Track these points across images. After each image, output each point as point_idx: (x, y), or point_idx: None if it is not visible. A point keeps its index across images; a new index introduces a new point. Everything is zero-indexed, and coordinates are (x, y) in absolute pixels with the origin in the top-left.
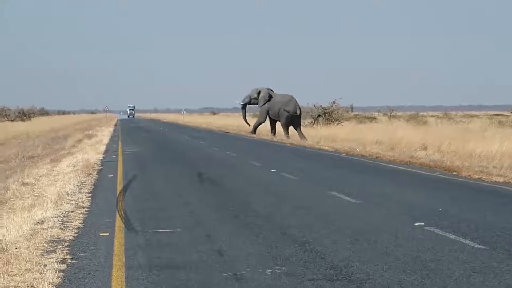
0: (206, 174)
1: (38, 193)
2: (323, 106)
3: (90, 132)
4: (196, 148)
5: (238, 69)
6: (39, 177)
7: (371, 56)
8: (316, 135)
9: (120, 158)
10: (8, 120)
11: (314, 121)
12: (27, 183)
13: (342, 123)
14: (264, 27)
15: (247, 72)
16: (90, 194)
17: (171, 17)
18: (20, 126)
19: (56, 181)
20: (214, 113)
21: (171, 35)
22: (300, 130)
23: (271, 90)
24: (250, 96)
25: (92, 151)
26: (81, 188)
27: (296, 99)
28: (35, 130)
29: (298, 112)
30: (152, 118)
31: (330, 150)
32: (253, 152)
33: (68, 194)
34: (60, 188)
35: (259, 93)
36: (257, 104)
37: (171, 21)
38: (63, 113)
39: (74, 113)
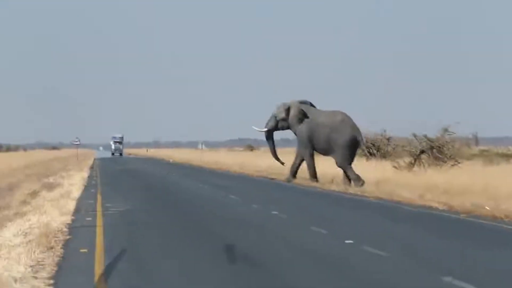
0: (240, 249)
1: None
2: (428, 136)
3: (51, 179)
4: (223, 205)
5: (278, 80)
6: None
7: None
8: (418, 183)
9: (99, 222)
10: None
11: (415, 160)
12: None
13: (459, 164)
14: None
15: (291, 85)
16: (51, 282)
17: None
18: None
19: None
20: (252, 148)
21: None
22: (352, 167)
23: (310, 104)
24: (276, 117)
25: (55, 210)
26: (36, 272)
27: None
28: None
29: (359, 138)
30: (151, 155)
31: (441, 207)
32: (312, 211)
33: (16, 282)
34: (4, 271)
35: (288, 109)
36: (288, 128)
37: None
38: (8, 148)
39: (24, 148)
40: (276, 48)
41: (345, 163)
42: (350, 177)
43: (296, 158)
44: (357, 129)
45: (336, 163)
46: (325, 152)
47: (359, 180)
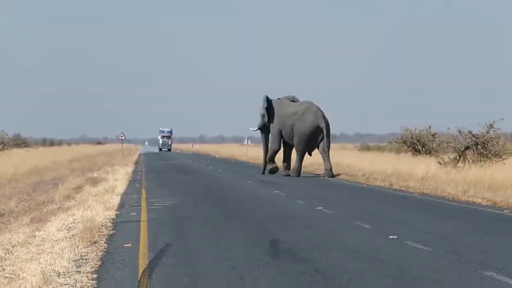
0: (284, 243)
1: (11, 274)
2: (473, 132)
3: (95, 174)
4: (268, 200)
5: (321, 78)
6: (13, 247)
7: None
8: (462, 178)
9: (144, 217)
10: None
11: (459, 157)
12: None
13: (504, 160)
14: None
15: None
16: (95, 276)
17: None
18: None
19: (39, 253)
20: None
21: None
22: (328, 155)
23: (293, 100)
24: (261, 115)
25: (99, 205)
26: (79, 266)
27: (320, 108)
28: (5, 170)
29: (321, 125)
30: (196, 150)
31: (484, 203)
32: (357, 206)
33: (59, 276)
34: (47, 265)
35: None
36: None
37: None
38: (51, 143)
39: (69, 143)
40: (319, 49)
41: (301, 152)
42: (325, 163)
43: (270, 150)
44: (321, 117)
45: (297, 151)
46: (291, 140)
47: (298, 171)
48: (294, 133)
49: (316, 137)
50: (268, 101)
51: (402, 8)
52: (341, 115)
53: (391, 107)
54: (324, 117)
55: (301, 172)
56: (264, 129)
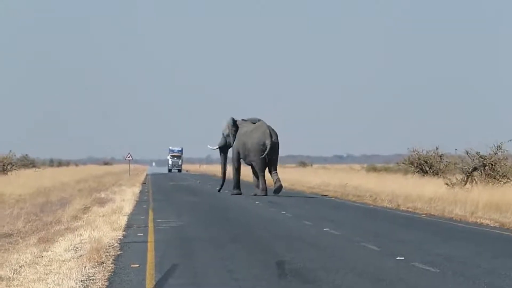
0: (291, 264)
1: None
2: (480, 153)
3: (103, 194)
4: (275, 220)
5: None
6: (20, 267)
7: None
8: (469, 200)
9: (151, 237)
10: None
11: (467, 178)
12: (0, 277)
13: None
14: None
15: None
16: None
17: None
18: None
19: (47, 274)
20: (304, 164)
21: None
22: (276, 172)
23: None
24: (223, 134)
25: (106, 226)
26: (87, 286)
27: (269, 126)
28: (13, 191)
29: (267, 143)
30: (204, 171)
31: (492, 225)
32: (364, 227)
33: None
34: (54, 285)
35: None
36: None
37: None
38: (59, 163)
39: (76, 163)
40: (330, 63)
41: (260, 170)
42: (274, 179)
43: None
44: (268, 135)
45: (253, 170)
46: (245, 159)
47: (264, 191)
48: (246, 152)
49: (262, 154)
50: (234, 122)
51: (409, 24)
52: (348, 137)
53: (398, 128)
54: (271, 135)
55: (308, 193)
56: (224, 148)
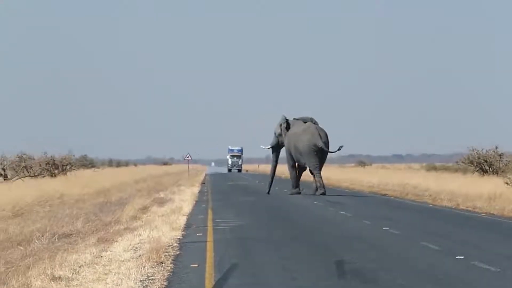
0: (350, 264)
1: None
2: (478, 151)
3: (162, 194)
4: (334, 220)
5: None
6: (79, 267)
7: None
8: None
9: (210, 237)
10: (30, 175)
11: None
12: (59, 278)
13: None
14: None
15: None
16: None
17: None
18: (49, 185)
19: (106, 274)
20: (363, 164)
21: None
22: (320, 175)
23: (311, 120)
24: (275, 133)
25: (165, 226)
26: (146, 286)
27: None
28: (72, 191)
29: (319, 144)
30: (262, 171)
31: None
32: (423, 227)
33: None
34: (114, 285)
35: (281, 125)
36: None
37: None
38: (118, 164)
39: (135, 163)
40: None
41: (313, 169)
42: (317, 182)
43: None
44: (317, 136)
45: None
46: (298, 160)
47: (321, 188)
48: (297, 153)
49: (315, 154)
50: (286, 121)
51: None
52: (407, 136)
53: (457, 127)
54: (321, 137)
55: (368, 192)
56: (276, 148)
